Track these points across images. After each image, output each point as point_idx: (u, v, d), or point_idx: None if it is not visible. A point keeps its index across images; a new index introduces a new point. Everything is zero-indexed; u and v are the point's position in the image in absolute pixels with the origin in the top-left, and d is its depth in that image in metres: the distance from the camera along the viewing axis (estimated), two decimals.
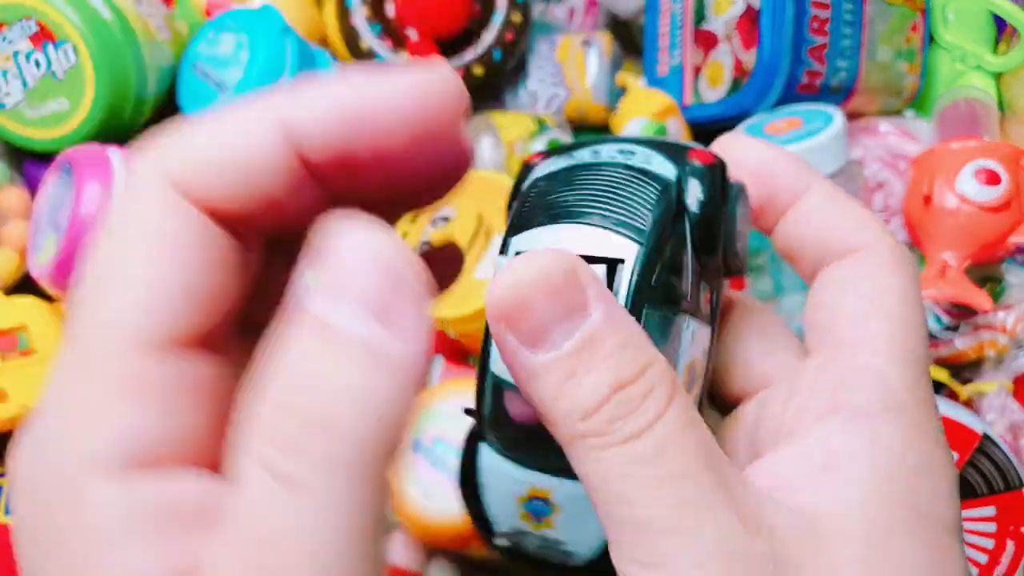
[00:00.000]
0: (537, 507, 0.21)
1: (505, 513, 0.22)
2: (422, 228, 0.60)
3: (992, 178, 0.55)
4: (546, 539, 0.22)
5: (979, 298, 0.53)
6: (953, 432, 0.55)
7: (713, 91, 0.63)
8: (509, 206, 0.23)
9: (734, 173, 0.24)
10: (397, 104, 0.18)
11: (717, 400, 0.26)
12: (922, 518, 0.20)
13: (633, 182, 0.21)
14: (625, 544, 0.18)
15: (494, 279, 0.19)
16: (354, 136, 0.18)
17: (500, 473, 0.22)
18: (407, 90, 0.18)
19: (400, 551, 0.48)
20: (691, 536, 0.18)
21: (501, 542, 0.23)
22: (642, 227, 0.21)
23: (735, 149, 0.25)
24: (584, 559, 0.22)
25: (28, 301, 0.51)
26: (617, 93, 0.69)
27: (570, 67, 0.68)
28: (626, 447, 0.18)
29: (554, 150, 0.23)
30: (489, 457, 0.22)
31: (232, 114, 0.18)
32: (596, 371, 0.18)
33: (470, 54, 0.64)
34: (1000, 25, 0.68)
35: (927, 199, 0.55)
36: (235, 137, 0.18)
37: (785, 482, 0.20)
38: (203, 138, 0.18)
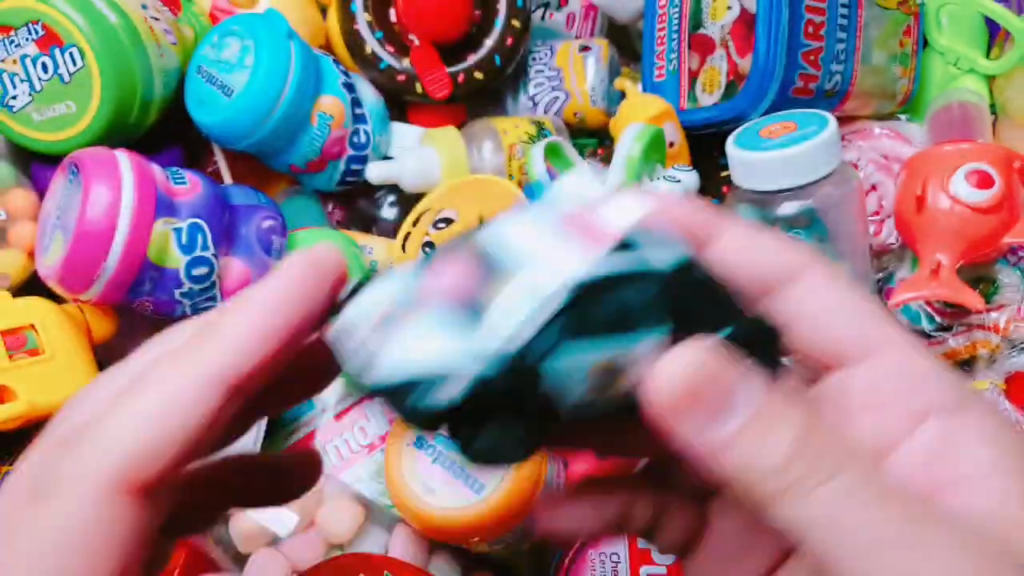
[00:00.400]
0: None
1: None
2: (424, 230, 0.60)
3: (984, 180, 0.55)
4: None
5: (971, 298, 0.54)
6: None
7: (709, 96, 0.64)
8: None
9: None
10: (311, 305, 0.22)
11: None
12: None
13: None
14: (868, 569, 0.19)
15: (657, 374, 0.20)
16: (280, 351, 0.21)
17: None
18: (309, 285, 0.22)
19: (402, 546, 0.49)
20: (932, 548, 0.19)
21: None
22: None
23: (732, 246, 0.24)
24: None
25: (36, 301, 0.52)
26: (615, 98, 0.69)
27: (569, 72, 0.69)
28: (835, 481, 0.19)
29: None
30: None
31: (159, 387, 0.21)
32: (780, 426, 0.20)
33: (471, 59, 0.65)
34: (993, 29, 0.68)
35: (920, 201, 0.56)
36: (171, 414, 0.20)
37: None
38: (134, 426, 0.20)
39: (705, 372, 0.20)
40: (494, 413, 0.21)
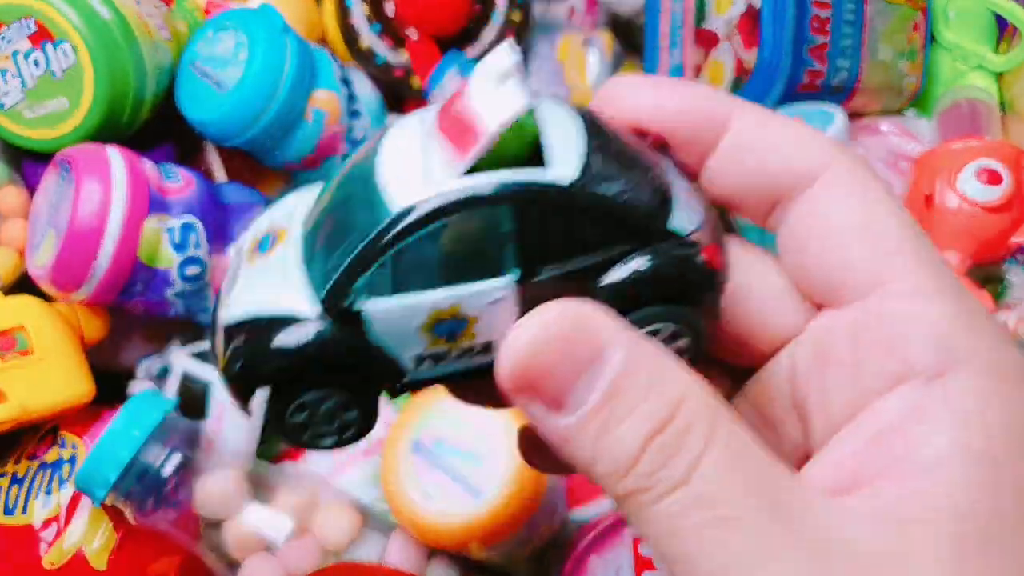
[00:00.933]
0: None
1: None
2: None
3: (993, 178, 0.55)
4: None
5: (981, 299, 0.53)
6: None
7: None
8: None
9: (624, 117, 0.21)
10: None
11: (727, 363, 0.23)
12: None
13: None
14: None
15: (502, 351, 0.18)
16: None
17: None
18: None
19: (399, 552, 0.48)
20: None
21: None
22: None
23: (631, 96, 0.21)
24: None
25: (26, 301, 0.51)
26: None
27: (571, 66, 0.68)
28: (673, 497, 0.17)
29: None
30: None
31: None
32: (627, 420, 0.17)
33: (470, 53, 0.64)
34: (1001, 24, 0.68)
35: (928, 199, 0.55)
36: None
37: (855, 479, 0.18)
38: None
39: (555, 347, 0.17)
40: (322, 377, 0.19)
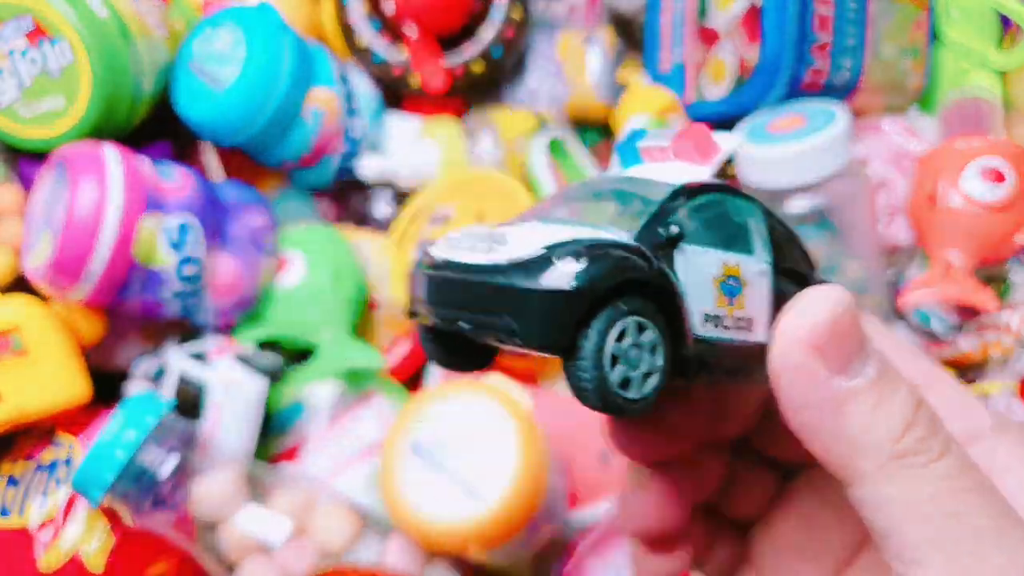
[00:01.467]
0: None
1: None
2: (420, 227, 0.59)
3: (997, 176, 0.54)
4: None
5: (984, 298, 0.53)
6: None
7: (716, 88, 0.62)
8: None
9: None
10: None
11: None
12: None
13: None
14: (961, 555, 0.19)
15: (796, 310, 0.20)
16: None
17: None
18: None
19: (397, 555, 0.48)
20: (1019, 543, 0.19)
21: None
22: None
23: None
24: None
25: (22, 301, 0.51)
26: (618, 90, 0.68)
27: (571, 64, 0.67)
28: (941, 463, 0.19)
29: None
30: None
31: None
32: (897, 396, 0.20)
33: (469, 51, 0.64)
34: (1005, 23, 0.68)
35: (931, 198, 0.55)
36: None
37: None
38: None
39: (847, 318, 0.20)
40: (645, 304, 0.21)
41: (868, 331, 0.20)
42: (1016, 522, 0.19)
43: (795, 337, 0.20)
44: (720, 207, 0.22)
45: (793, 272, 0.24)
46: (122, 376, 0.55)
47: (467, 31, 0.64)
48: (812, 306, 0.20)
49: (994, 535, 0.19)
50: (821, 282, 0.23)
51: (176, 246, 0.51)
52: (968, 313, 0.58)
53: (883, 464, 0.19)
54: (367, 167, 0.61)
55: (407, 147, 0.62)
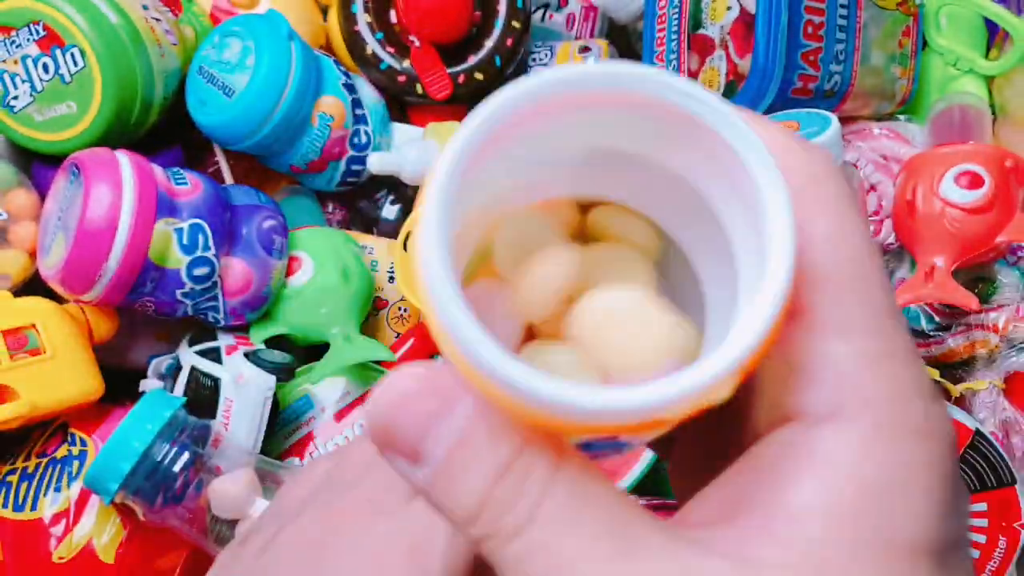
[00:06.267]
0: None
1: None
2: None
3: (975, 181, 0.55)
4: None
5: (966, 299, 0.54)
6: None
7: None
8: None
9: None
10: None
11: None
12: (883, 550, 0.17)
13: None
14: None
15: (366, 410, 0.19)
16: None
17: None
18: None
19: None
20: None
21: None
22: None
23: None
24: None
25: (37, 301, 0.52)
26: None
27: None
28: (516, 544, 0.17)
29: None
30: None
31: None
32: (473, 469, 0.17)
33: (471, 60, 0.65)
34: (992, 29, 0.69)
35: (911, 205, 0.56)
36: None
37: (724, 516, 0.18)
38: None
39: (398, 411, 0.18)
40: None
41: (450, 396, 0.18)
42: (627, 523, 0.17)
43: (370, 437, 0.18)
44: None
45: None
46: (136, 374, 0.56)
47: (470, 41, 0.65)
48: (368, 407, 0.18)
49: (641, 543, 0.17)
50: None
51: (188, 248, 0.51)
52: (955, 313, 0.59)
53: (478, 548, 0.17)
54: (374, 162, 0.62)
55: (413, 144, 0.62)
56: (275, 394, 0.53)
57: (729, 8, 0.62)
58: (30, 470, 0.52)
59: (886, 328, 0.18)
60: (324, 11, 0.68)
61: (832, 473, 0.17)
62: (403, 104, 0.67)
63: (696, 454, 0.23)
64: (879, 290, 0.18)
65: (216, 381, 0.52)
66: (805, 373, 0.17)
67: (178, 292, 0.52)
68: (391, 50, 0.64)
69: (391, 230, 0.66)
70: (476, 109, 0.17)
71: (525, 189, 0.20)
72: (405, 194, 0.66)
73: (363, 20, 0.64)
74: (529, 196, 0.20)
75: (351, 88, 0.62)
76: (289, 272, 0.57)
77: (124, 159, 0.51)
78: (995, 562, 0.55)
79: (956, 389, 0.58)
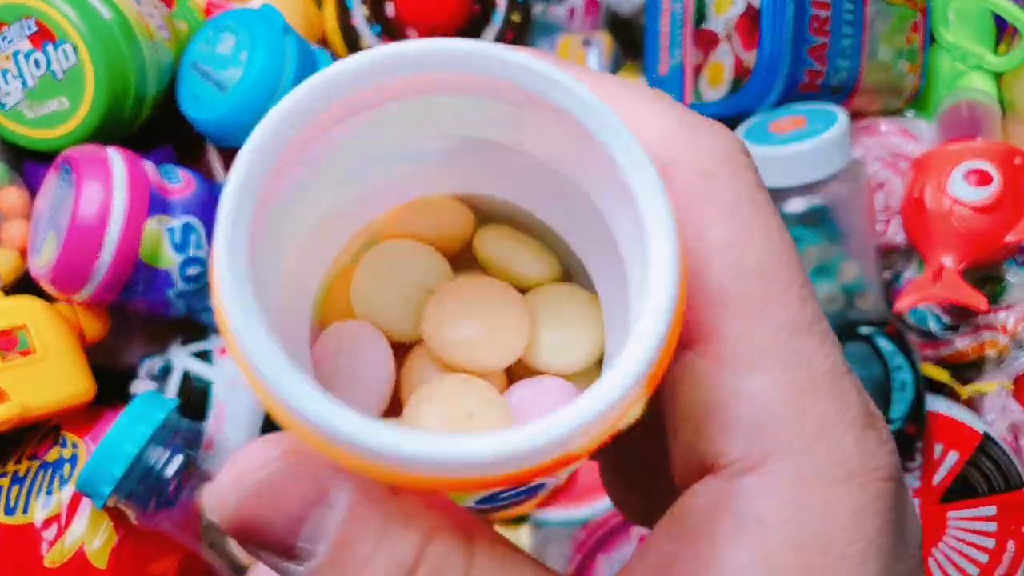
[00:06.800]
0: None
1: None
2: None
3: (983, 179, 0.55)
4: None
5: (974, 299, 0.53)
6: (954, 431, 0.55)
7: (713, 91, 0.63)
8: None
9: None
10: None
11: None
12: None
13: None
14: None
15: (214, 496, 0.15)
16: None
17: None
18: None
19: None
20: None
21: None
22: None
23: None
24: None
25: (28, 301, 0.51)
26: None
27: None
28: None
29: None
30: None
31: None
32: (369, 571, 0.14)
33: None
34: (1001, 25, 0.68)
35: (919, 203, 0.56)
36: None
37: None
38: None
39: (261, 500, 0.15)
40: None
41: (323, 481, 0.15)
42: None
43: (225, 527, 0.15)
44: None
45: None
46: (127, 376, 0.56)
47: (468, 34, 0.64)
48: (214, 492, 0.15)
49: None
50: None
51: (180, 247, 0.51)
52: (964, 313, 0.58)
53: None
54: None
55: None
56: None
57: (734, 2, 0.61)
58: (21, 473, 0.51)
59: (803, 350, 0.16)
60: (319, 4, 0.68)
61: (763, 537, 0.15)
62: None
63: (624, 463, 0.22)
64: (793, 301, 0.16)
65: (208, 383, 0.52)
66: (719, 415, 0.16)
67: (170, 292, 0.51)
68: (388, 43, 0.63)
69: None
70: (270, 111, 0.15)
71: (397, 186, 0.18)
72: None
73: (359, 13, 0.63)
74: (402, 194, 0.18)
75: None
76: None
77: (116, 156, 0.51)
78: (1004, 567, 0.54)
79: (965, 391, 0.57)
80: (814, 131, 0.51)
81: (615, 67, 0.69)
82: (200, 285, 0.52)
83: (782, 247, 0.16)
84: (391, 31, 0.64)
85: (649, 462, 0.20)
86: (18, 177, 0.57)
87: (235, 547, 0.46)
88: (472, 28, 0.64)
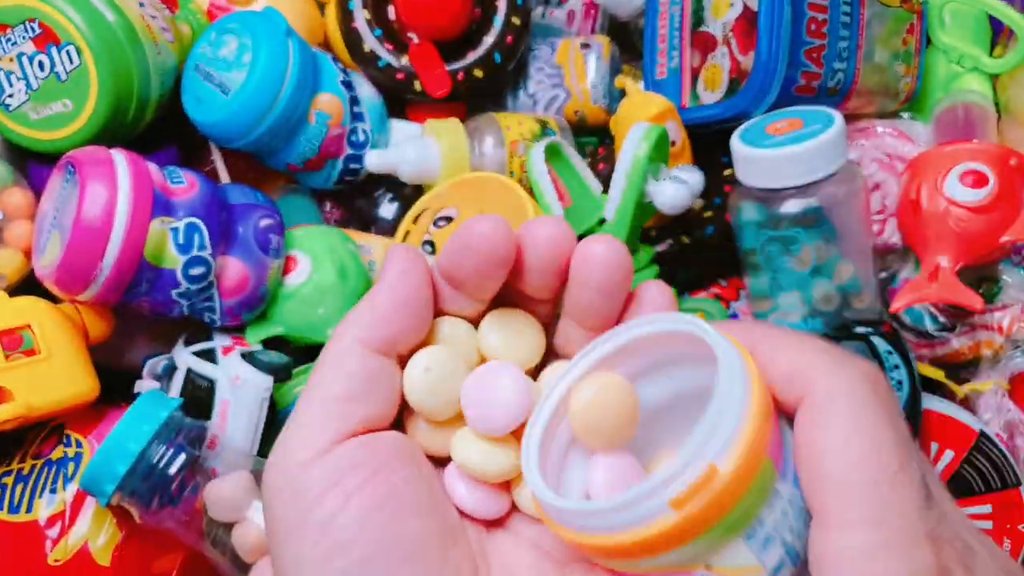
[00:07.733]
0: None
1: None
2: (425, 228, 0.60)
3: (979, 180, 0.55)
4: None
5: (970, 299, 0.53)
6: (950, 430, 0.55)
7: (711, 93, 0.63)
8: None
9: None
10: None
11: None
12: None
13: None
14: None
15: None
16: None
17: None
18: None
19: None
20: None
21: None
22: None
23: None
24: None
25: (32, 301, 0.51)
26: (616, 96, 0.69)
27: (570, 70, 0.68)
28: None
29: None
30: None
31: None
32: None
33: (471, 57, 0.64)
34: (996, 27, 0.68)
35: (915, 204, 0.56)
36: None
37: None
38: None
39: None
40: None
41: None
42: None
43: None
44: None
45: None
46: (131, 375, 0.56)
47: (469, 37, 0.65)
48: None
49: None
50: None
51: (184, 247, 0.51)
52: (960, 313, 0.59)
53: None
54: (371, 159, 0.62)
55: (411, 142, 0.62)
56: (272, 395, 0.52)
57: (731, 5, 0.61)
58: (25, 472, 0.51)
59: (886, 518, 0.21)
60: (322, 7, 0.68)
61: None
62: (401, 101, 0.67)
63: None
64: (884, 484, 0.21)
65: (212, 382, 0.52)
66: (818, 564, 0.21)
67: (173, 292, 0.52)
68: (389, 47, 0.64)
69: (389, 228, 0.65)
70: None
71: None
72: (403, 192, 0.66)
73: (361, 17, 0.63)
74: None
75: (349, 85, 0.61)
76: (286, 271, 0.57)
77: (120, 157, 0.51)
78: None
79: (961, 390, 0.57)
80: (811, 133, 0.52)
81: (614, 70, 0.69)
82: (203, 285, 0.52)
83: (881, 443, 0.22)
84: (392, 34, 0.64)
85: None
86: (22, 178, 0.57)
87: (241, 546, 0.47)
88: (473, 32, 0.65)
